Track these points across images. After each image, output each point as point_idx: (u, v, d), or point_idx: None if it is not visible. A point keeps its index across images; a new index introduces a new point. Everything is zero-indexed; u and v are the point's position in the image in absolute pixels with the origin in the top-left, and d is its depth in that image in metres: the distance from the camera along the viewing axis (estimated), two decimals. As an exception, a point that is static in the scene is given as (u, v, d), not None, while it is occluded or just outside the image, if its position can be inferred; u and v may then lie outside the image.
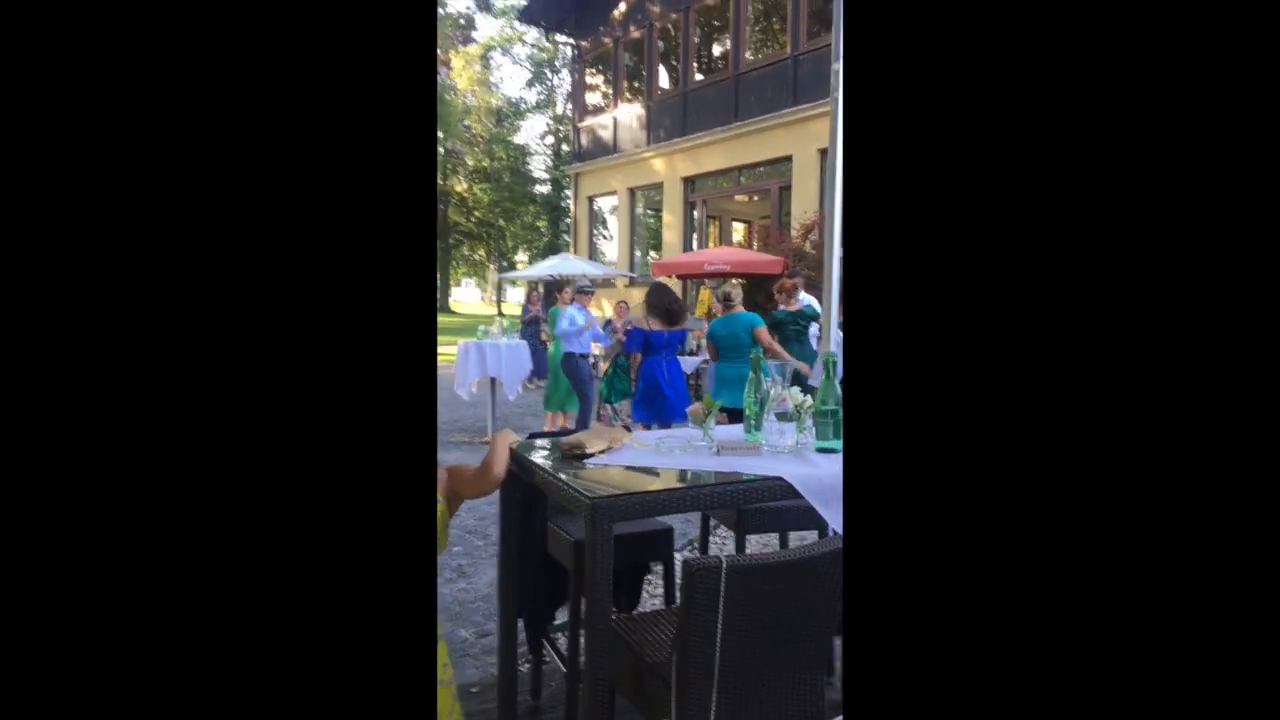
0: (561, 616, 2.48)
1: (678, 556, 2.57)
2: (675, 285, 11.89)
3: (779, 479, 1.83)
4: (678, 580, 1.93)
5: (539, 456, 2.09)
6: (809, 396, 2.15)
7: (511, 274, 20.15)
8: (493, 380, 7.03)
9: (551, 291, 13.95)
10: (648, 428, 5.52)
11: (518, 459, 2.09)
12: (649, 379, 5.51)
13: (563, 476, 1.84)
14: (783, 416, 2.15)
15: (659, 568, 2.85)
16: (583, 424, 6.42)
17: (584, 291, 6.71)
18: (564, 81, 28.78)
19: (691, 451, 2.15)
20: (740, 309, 5.24)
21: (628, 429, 2.36)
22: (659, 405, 5.47)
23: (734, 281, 5.45)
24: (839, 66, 3.08)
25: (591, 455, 2.11)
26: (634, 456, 2.12)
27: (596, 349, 7.61)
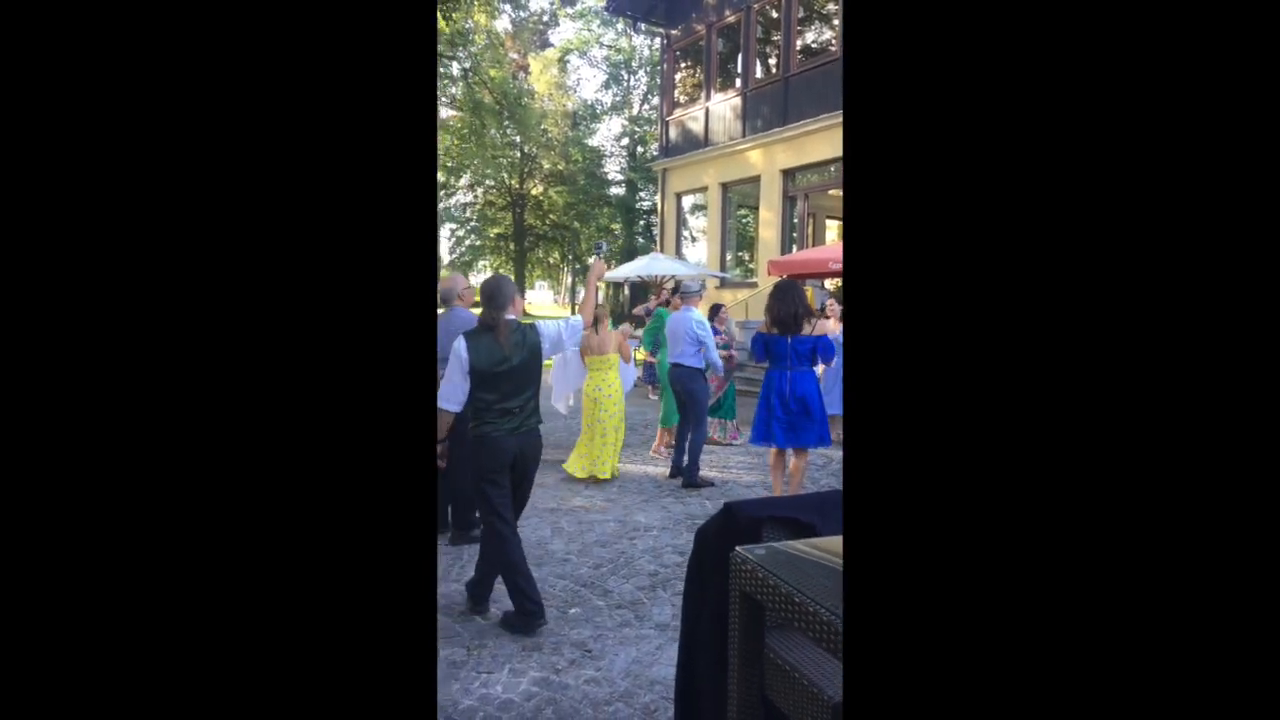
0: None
1: None
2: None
3: None
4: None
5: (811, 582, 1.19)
6: None
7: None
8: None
9: (638, 293, 13.09)
10: (781, 454, 4.59)
11: (745, 571, 1.35)
12: (763, 393, 4.60)
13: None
14: None
15: None
16: (695, 451, 5.47)
17: (693, 293, 5.81)
18: (640, 82, 28.13)
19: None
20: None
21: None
22: (768, 424, 4.51)
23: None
24: None
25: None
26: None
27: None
